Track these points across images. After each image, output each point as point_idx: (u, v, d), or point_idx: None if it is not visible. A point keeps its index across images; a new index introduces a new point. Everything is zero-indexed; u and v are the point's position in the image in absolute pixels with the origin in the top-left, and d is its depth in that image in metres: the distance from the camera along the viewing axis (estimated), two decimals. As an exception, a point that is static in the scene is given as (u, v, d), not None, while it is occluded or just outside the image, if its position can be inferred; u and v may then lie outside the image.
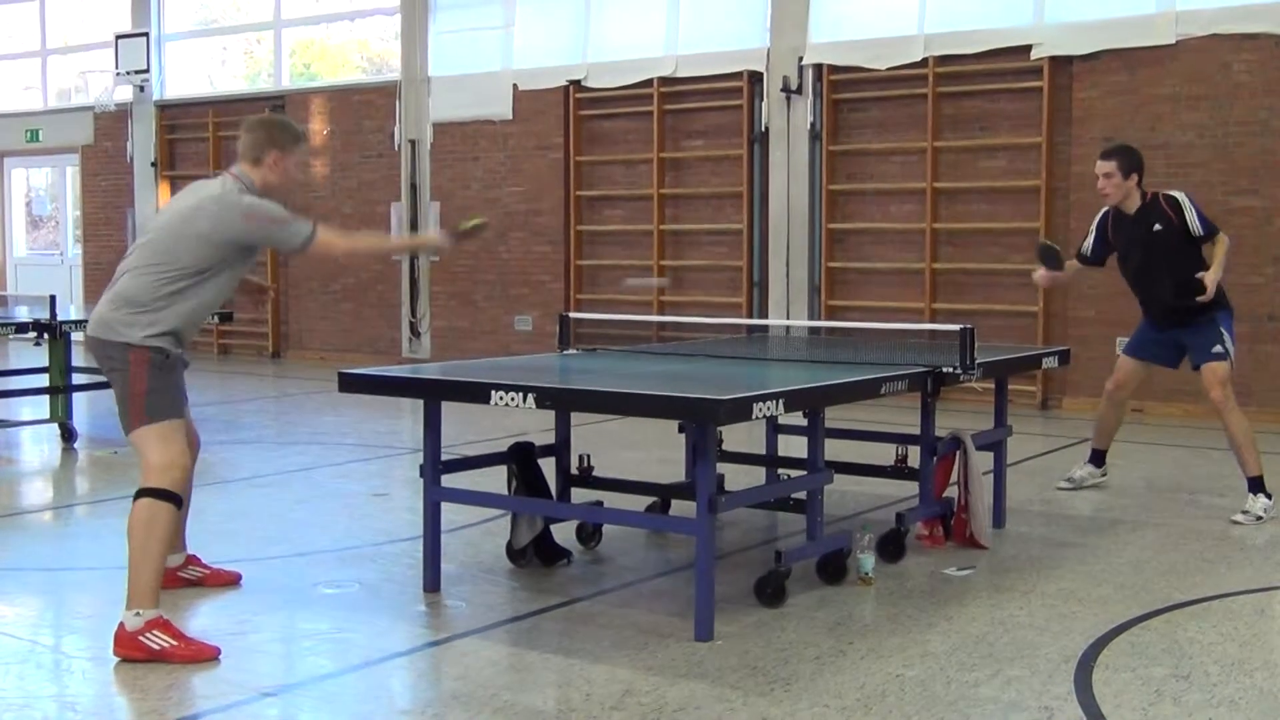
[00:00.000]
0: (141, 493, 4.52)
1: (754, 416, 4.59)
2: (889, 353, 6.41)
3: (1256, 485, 6.83)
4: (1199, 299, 6.74)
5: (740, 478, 6.59)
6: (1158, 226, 6.90)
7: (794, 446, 6.43)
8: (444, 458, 5.30)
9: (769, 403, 4.60)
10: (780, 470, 6.60)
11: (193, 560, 5.31)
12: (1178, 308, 6.93)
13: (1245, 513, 6.72)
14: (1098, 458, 7.60)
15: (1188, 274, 6.82)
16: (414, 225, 14.93)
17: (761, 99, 12.73)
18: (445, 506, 5.36)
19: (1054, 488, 7.52)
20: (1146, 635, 4.75)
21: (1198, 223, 6.86)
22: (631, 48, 13.52)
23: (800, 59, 12.44)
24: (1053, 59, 11.31)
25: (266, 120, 4.99)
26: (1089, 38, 11.20)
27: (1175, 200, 6.93)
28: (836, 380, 5.24)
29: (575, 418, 5.96)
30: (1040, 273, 7.32)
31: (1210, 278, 6.72)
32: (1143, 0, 11.06)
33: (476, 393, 4.86)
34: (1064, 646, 4.56)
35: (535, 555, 5.67)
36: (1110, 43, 11.11)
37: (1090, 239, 7.28)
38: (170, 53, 17.31)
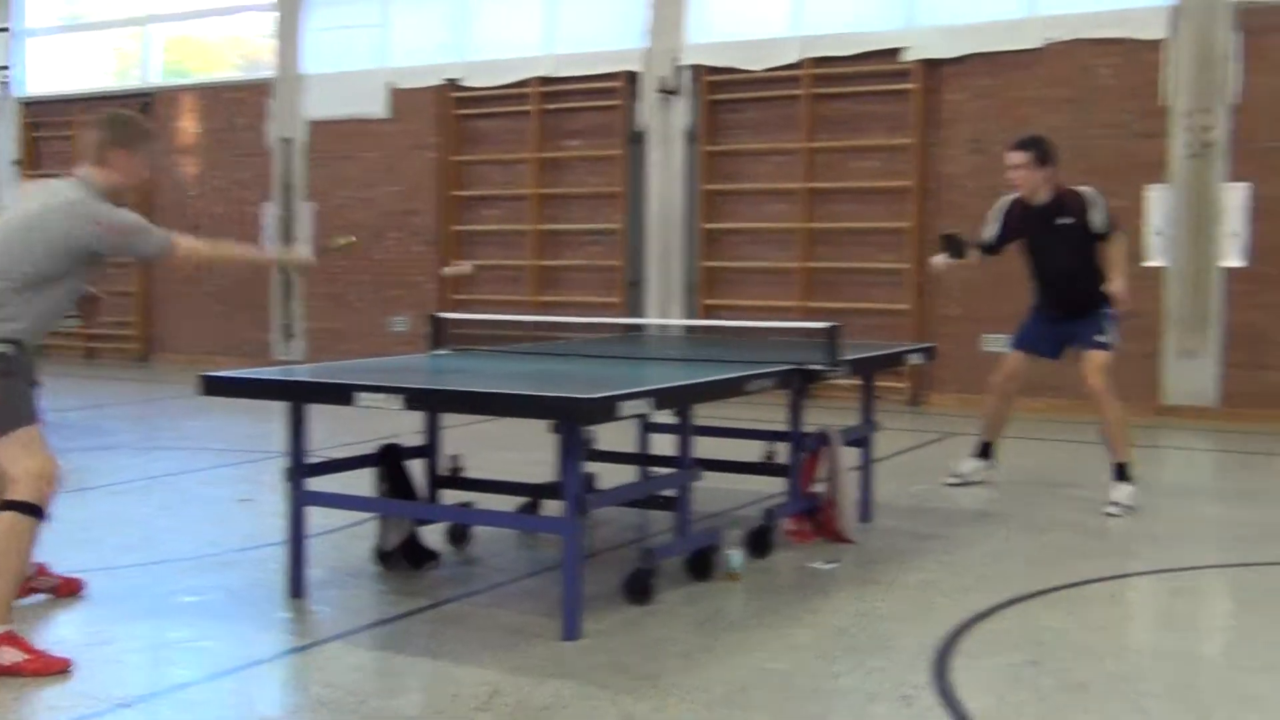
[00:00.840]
0: (5, 505, 4.35)
1: (620, 415, 4.60)
2: (761, 351, 6.46)
3: (1122, 473, 6.96)
4: (1115, 309, 6.92)
5: (614, 477, 6.59)
6: (1063, 220, 7.00)
7: (669, 445, 6.45)
8: (313, 460, 5.23)
9: (635, 401, 4.62)
10: (651, 468, 6.63)
11: (43, 571, 5.15)
12: (1075, 300, 7.06)
13: (1115, 503, 6.83)
14: (985, 450, 7.64)
15: (1090, 269, 6.96)
16: (287, 226, 14.72)
17: (639, 99, 12.78)
18: (314, 511, 5.29)
19: (941, 484, 7.61)
20: (1003, 624, 4.86)
21: (1103, 219, 6.97)
22: (509, 47, 13.50)
23: (677, 60, 12.52)
24: (923, 62, 11.53)
25: (112, 117, 4.77)
26: (957, 41, 11.44)
27: (1082, 196, 7.02)
28: (703, 379, 5.28)
29: (450, 419, 5.91)
30: (940, 259, 7.36)
31: (1118, 287, 6.88)
32: (1009, 5, 11.34)
33: (340, 394, 4.81)
34: (924, 636, 4.64)
35: (404, 558, 5.62)
36: (978, 46, 11.37)
37: (993, 226, 7.30)
38: (34, 48, 16.84)
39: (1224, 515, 7.15)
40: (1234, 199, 10.52)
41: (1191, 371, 10.69)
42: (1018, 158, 7.01)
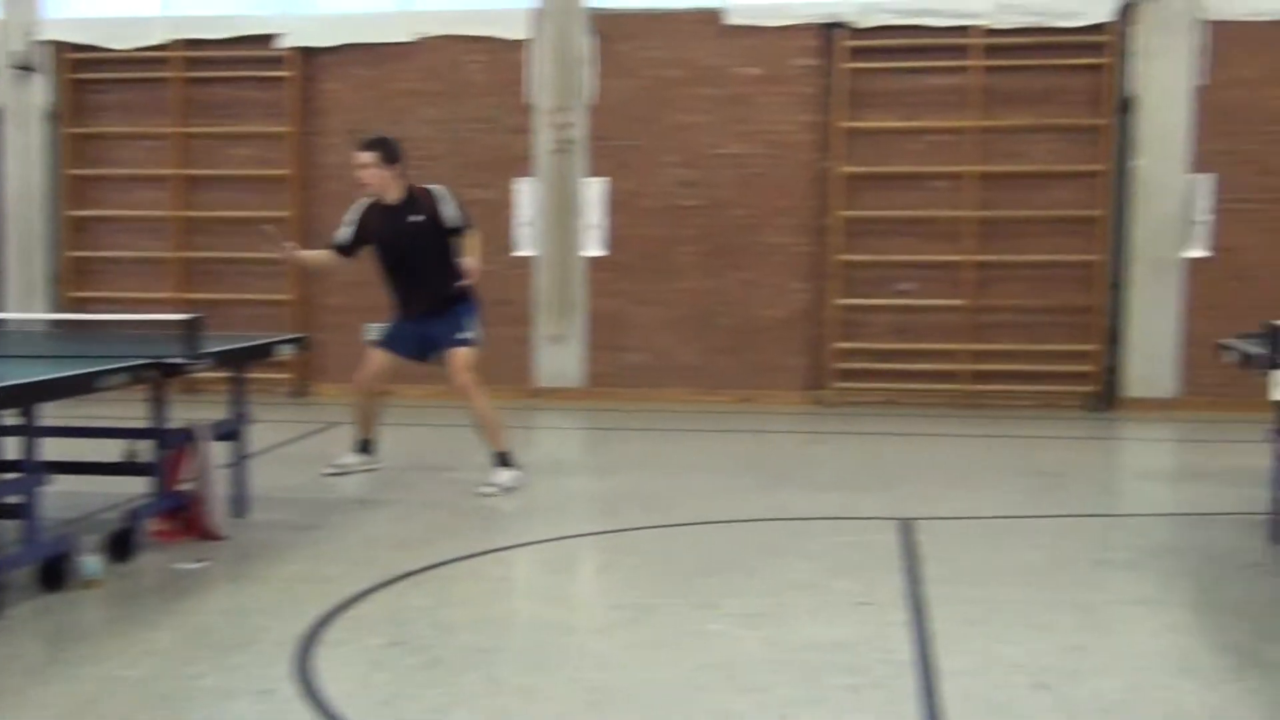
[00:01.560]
0: None
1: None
2: (128, 345, 6.13)
3: (503, 460, 7.26)
4: (461, 283, 7.09)
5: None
6: (416, 217, 7.16)
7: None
8: None
9: (-38, 404, 4.23)
10: (-1, 475, 6.11)
11: None
12: (432, 297, 7.24)
13: (492, 485, 7.11)
14: (364, 446, 7.68)
15: (444, 265, 7.15)
16: None
17: (-11, 75, 11.75)
18: None
19: (320, 474, 7.56)
20: (369, 608, 4.94)
21: (455, 214, 7.18)
22: None
23: (33, 35, 11.63)
24: (299, 50, 11.44)
25: None
26: (333, 31, 11.46)
27: (433, 193, 7.22)
28: (44, 376, 4.92)
29: None
30: (304, 252, 7.33)
31: (472, 263, 7.11)
32: (384, -3, 11.51)
33: None
34: (290, 628, 4.61)
35: None
36: (353, 37, 11.45)
37: (347, 229, 7.36)
38: None
39: (588, 487, 7.69)
40: (593, 193, 11.30)
41: (560, 355, 11.39)
42: (365, 157, 7.15)
